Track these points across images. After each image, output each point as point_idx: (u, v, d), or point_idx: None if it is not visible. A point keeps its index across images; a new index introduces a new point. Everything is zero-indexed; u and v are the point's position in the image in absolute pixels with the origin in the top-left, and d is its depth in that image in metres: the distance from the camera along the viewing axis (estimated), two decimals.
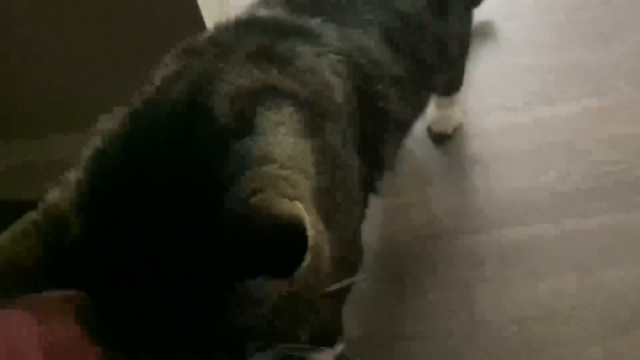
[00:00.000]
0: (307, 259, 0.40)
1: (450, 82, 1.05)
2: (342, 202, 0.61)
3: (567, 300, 0.91)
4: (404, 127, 0.78)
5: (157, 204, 0.43)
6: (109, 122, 0.50)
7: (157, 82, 0.52)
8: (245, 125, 0.48)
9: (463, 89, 1.10)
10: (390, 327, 0.93)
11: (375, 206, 0.87)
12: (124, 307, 0.44)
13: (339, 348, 0.89)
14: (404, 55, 0.71)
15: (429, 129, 1.14)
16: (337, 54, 0.62)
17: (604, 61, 1.21)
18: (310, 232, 0.40)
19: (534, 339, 0.88)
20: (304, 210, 0.41)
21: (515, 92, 1.18)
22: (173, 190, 0.44)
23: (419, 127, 1.07)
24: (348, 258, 0.72)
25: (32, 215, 0.46)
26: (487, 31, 1.29)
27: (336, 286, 0.66)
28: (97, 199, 0.45)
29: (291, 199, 0.43)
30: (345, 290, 0.80)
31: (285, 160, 0.48)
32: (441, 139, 1.13)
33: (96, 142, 0.49)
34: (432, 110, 1.11)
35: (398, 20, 0.72)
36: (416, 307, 0.94)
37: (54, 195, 0.47)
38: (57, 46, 0.95)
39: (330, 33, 0.64)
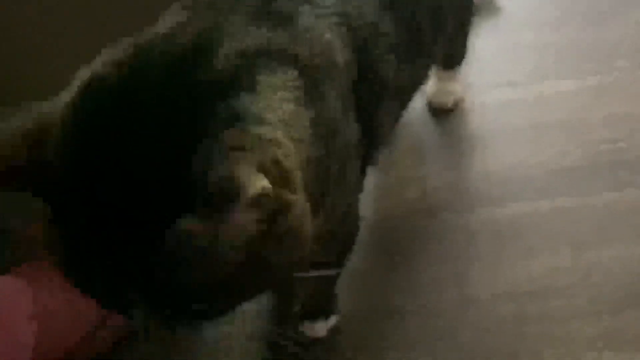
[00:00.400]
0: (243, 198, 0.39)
1: (451, 56, 1.04)
2: (337, 172, 0.60)
3: (561, 277, 0.91)
4: (402, 95, 0.76)
5: (137, 138, 0.43)
6: (112, 51, 0.49)
7: (162, 29, 0.51)
8: (243, 83, 0.46)
9: (464, 63, 1.09)
10: (381, 301, 0.93)
11: (370, 180, 0.86)
12: (82, 235, 0.43)
13: (333, 321, 0.89)
14: (401, 23, 0.69)
15: (429, 103, 1.13)
16: (337, 15, 0.60)
17: (604, 39, 1.20)
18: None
19: (526, 316, 0.88)
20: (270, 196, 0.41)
21: (514, 69, 1.17)
22: (155, 127, 0.43)
23: (417, 102, 1.06)
24: (342, 231, 0.72)
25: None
26: (488, 8, 1.27)
27: (323, 272, 0.66)
28: (82, 121, 0.45)
29: (277, 169, 0.43)
30: (338, 265, 0.80)
31: (279, 126, 0.47)
32: (440, 113, 1.12)
33: (95, 65, 0.48)
34: (432, 84, 1.10)
35: None
36: (408, 282, 0.94)
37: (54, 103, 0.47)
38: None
39: None
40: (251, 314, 0.92)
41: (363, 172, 0.73)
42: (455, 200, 1.01)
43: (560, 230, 0.96)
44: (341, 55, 0.59)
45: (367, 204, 0.99)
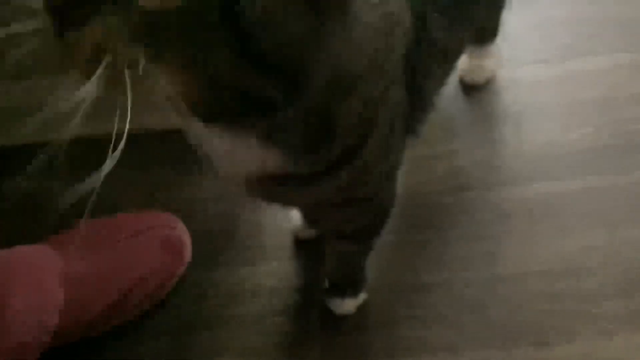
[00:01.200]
0: None
1: (485, 31, 1.03)
2: (387, 124, 0.59)
3: (594, 256, 0.90)
4: (446, 61, 0.76)
5: None
6: None
7: None
8: None
9: (498, 40, 1.07)
10: (410, 276, 0.93)
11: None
12: None
13: (361, 299, 0.89)
14: None
15: (461, 79, 1.11)
16: None
17: (638, 16, 1.18)
18: None
19: (558, 293, 0.88)
20: None
21: (547, 45, 1.15)
22: None
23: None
24: (378, 198, 0.71)
25: None
26: None
27: None
28: None
29: None
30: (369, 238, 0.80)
31: None
32: (472, 89, 1.11)
33: None
34: (465, 60, 1.09)
35: None
36: (437, 257, 0.94)
37: None
38: None
39: None
40: (280, 291, 0.93)
41: (404, 147, 0.73)
42: (486, 177, 1.00)
43: (593, 209, 0.95)
44: (407, 16, 0.58)
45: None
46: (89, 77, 0.37)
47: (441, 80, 0.78)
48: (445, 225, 0.97)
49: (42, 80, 1.11)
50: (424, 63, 0.66)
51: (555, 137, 1.03)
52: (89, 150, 1.09)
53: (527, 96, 1.08)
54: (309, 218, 0.88)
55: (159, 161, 1.08)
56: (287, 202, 0.70)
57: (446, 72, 0.79)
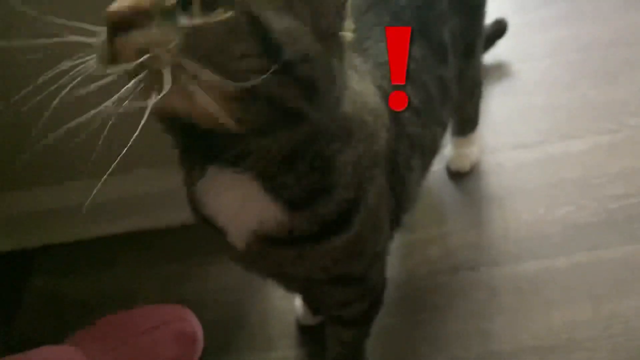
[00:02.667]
0: None
1: (465, 123, 1.12)
2: (374, 202, 0.66)
3: (582, 330, 0.94)
4: (424, 156, 0.84)
5: None
6: None
7: None
8: None
9: (479, 127, 1.16)
10: (409, 356, 0.97)
11: (394, 240, 0.93)
12: None
13: None
14: (417, 90, 0.79)
15: (447, 167, 1.20)
16: (376, 85, 0.69)
17: (613, 98, 1.26)
18: None
19: None
20: None
21: (528, 130, 1.23)
22: None
23: (436, 164, 1.13)
24: (369, 282, 0.77)
25: None
26: (501, 71, 1.36)
27: None
28: None
29: None
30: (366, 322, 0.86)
31: None
32: (459, 175, 1.19)
33: None
34: (450, 149, 1.18)
35: (411, 61, 0.78)
36: (434, 337, 0.98)
37: None
38: None
39: (368, 66, 0.72)
40: None
41: (391, 235, 0.80)
42: (477, 257, 1.07)
43: (579, 284, 1.00)
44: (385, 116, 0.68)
45: (392, 263, 1.05)
46: (130, 79, 0.43)
47: (422, 173, 0.86)
48: (441, 305, 1.02)
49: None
50: (403, 156, 0.75)
51: (539, 216, 1.10)
52: (108, 249, 1.19)
53: (510, 179, 1.16)
54: (309, 300, 0.94)
55: (170, 256, 1.17)
56: (285, 274, 0.72)
57: (425, 166, 0.87)
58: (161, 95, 0.43)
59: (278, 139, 0.51)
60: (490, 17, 1.01)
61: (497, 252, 1.06)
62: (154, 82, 0.43)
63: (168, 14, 0.44)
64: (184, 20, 0.44)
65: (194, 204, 0.63)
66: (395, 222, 0.81)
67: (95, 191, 0.50)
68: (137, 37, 0.43)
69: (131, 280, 1.16)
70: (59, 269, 1.21)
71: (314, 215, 0.60)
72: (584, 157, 1.17)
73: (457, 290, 1.03)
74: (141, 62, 0.42)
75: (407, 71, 0.74)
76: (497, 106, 1.28)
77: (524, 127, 1.24)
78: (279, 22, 0.46)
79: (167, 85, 0.43)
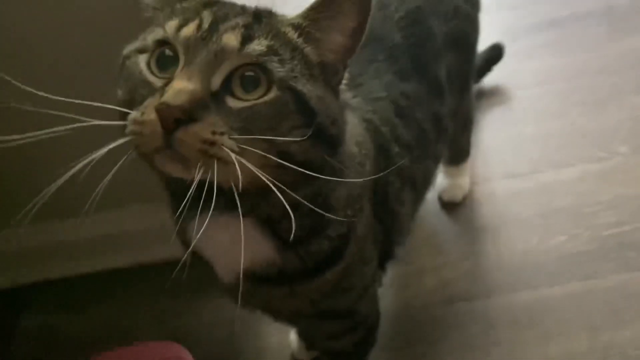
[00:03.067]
0: None
1: (457, 154, 1.13)
2: (361, 239, 0.67)
3: None
4: (420, 190, 0.86)
5: None
6: None
7: None
8: None
9: (470, 158, 1.17)
10: None
11: (389, 273, 0.93)
12: None
13: None
14: (411, 127, 0.80)
15: (439, 198, 1.20)
16: (365, 120, 0.72)
17: (603, 126, 1.28)
18: None
19: None
20: None
21: (519, 159, 1.24)
22: None
23: (429, 196, 1.14)
24: (359, 316, 0.77)
25: None
26: (491, 100, 1.37)
27: None
28: None
29: None
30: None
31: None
32: (451, 206, 1.20)
33: None
34: (441, 179, 1.18)
35: (404, 98, 0.81)
36: None
37: None
38: None
39: (357, 100, 0.75)
40: None
41: (383, 267, 0.81)
42: (471, 288, 1.06)
43: (575, 314, 1.00)
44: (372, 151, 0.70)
45: (387, 296, 1.06)
46: (195, 165, 0.46)
47: (414, 207, 0.87)
48: (436, 338, 1.02)
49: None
50: (393, 189, 0.76)
51: (532, 246, 1.10)
52: (101, 285, 1.18)
53: (503, 209, 1.17)
54: (301, 333, 0.94)
55: (164, 291, 1.15)
56: (273, 309, 0.72)
57: (418, 199, 0.88)
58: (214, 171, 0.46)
59: (300, 191, 0.53)
60: (480, 46, 1.03)
61: (492, 282, 1.06)
62: (212, 162, 0.46)
63: (216, 99, 0.48)
64: (234, 104, 0.48)
65: (183, 237, 0.63)
66: (389, 254, 0.81)
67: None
68: (200, 130, 0.46)
69: (125, 316, 1.15)
70: (52, 305, 1.20)
71: (308, 253, 0.60)
72: (576, 186, 1.18)
73: (453, 322, 1.03)
74: (205, 149, 0.46)
75: (400, 108, 0.79)
76: (487, 135, 1.29)
77: (515, 156, 1.25)
78: (312, 91, 0.51)
79: (230, 165, 0.46)
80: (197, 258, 0.62)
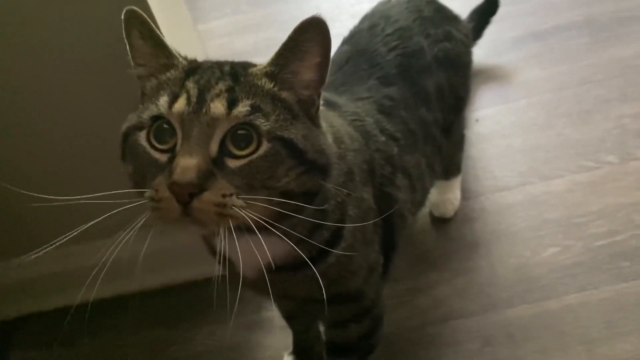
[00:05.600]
0: None
1: (450, 168, 1.14)
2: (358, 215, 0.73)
3: None
4: (415, 181, 0.89)
5: None
6: None
7: None
8: None
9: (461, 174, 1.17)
10: None
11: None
12: None
13: None
14: (395, 123, 0.86)
15: (430, 213, 1.20)
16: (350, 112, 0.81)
17: (590, 136, 1.28)
18: None
19: None
20: None
21: (508, 172, 1.24)
22: None
23: (420, 214, 1.13)
24: (366, 301, 0.81)
25: None
26: (478, 114, 1.37)
27: None
28: None
29: None
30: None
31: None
32: (443, 221, 1.19)
33: None
34: (433, 195, 1.17)
35: (387, 99, 0.88)
36: None
37: None
38: None
39: (348, 104, 0.83)
40: None
41: (388, 258, 0.84)
42: (466, 305, 1.05)
43: (571, 328, 0.99)
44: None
45: None
46: (207, 226, 0.54)
47: (412, 196, 0.89)
48: (431, 358, 1.00)
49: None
50: (384, 172, 0.81)
51: (525, 260, 1.09)
52: (91, 316, 1.16)
53: (494, 223, 1.16)
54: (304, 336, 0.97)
55: (156, 320, 1.14)
56: (289, 295, 0.77)
57: (415, 190, 0.89)
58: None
59: (304, 212, 0.60)
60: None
61: (486, 298, 1.05)
62: (227, 219, 0.54)
63: (217, 163, 0.54)
64: (233, 164, 0.54)
65: (209, 244, 0.71)
66: (392, 243, 0.84)
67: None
68: (211, 197, 0.53)
69: (117, 347, 1.14)
70: (42, 339, 1.18)
71: (313, 245, 0.66)
72: (565, 197, 1.18)
73: (449, 341, 1.02)
74: (219, 212, 0.53)
75: (383, 107, 0.86)
76: (476, 150, 1.29)
77: (504, 170, 1.25)
78: (297, 133, 0.57)
79: (242, 219, 0.54)
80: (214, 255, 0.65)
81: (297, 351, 1.01)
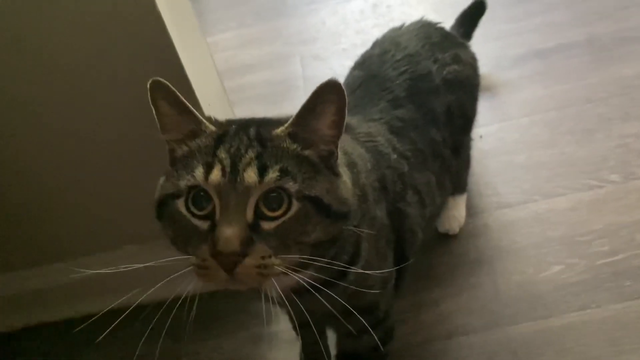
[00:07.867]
0: None
1: (455, 185, 1.15)
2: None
3: None
4: (425, 197, 0.92)
5: None
6: None
7: None
8: None
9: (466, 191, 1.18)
10: None
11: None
12: None
13: None
14: (405, 142, 0.91)
15: (436, 229, 1.21)
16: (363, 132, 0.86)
17: (592, 154, 1.29)
18: None
19: None
20: None
21: (511, 189, 1.26)
22: None
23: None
24: (379, 312, 0.85)
25: None
26: (481, 132, 1.39)
27: None
28: None
29: None
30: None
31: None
32: (447, 238, 1.20)
33: None
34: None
35: (398, 121, 0.92)
36: None
37: None
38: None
39: (360, 125, 0.88)
40: None
41: (399, 272, 0.87)
42: (470, 322, 1.06)
43: (574, 346, 1.00)
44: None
45: None
46: (250, 284, 0.59)
47: (422, 212, 0.92)
48: None
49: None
50: (395, 188, 0.84)
51: (528, 277, 1.10)
52: (95, 328, 1.16)
53: (497, 240, 1.17)
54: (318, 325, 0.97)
55: (161, 332, 1.14)
56: (313, 309, 0.77)
57: (425, 206, 0.92)
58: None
59: (331, 250, 0.65)
60: None
61: (489, 315, 1.06)
62: (269, 278, 0.59)
63: (253, 228, 0.58)
64: (268, 226, 0.58)
65: None
66: (403, 256, 0.88)
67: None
68: (253, 261, 0.57)
69: (122, 359, 1.14)
70: (45, 351, 1.18)
71: (333, 270, 0.68)
72: (568, 215, 1.19)
73: (453, 357, 1.02)
74: (260, 272, 0.57)
75: (393, 127, 0.91)
76: (479, 166, 1.31)
77: (507, 187, 1.26)
78: (322, 189, 0.61)
79: (280, 273, 0.59)
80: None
81: None
